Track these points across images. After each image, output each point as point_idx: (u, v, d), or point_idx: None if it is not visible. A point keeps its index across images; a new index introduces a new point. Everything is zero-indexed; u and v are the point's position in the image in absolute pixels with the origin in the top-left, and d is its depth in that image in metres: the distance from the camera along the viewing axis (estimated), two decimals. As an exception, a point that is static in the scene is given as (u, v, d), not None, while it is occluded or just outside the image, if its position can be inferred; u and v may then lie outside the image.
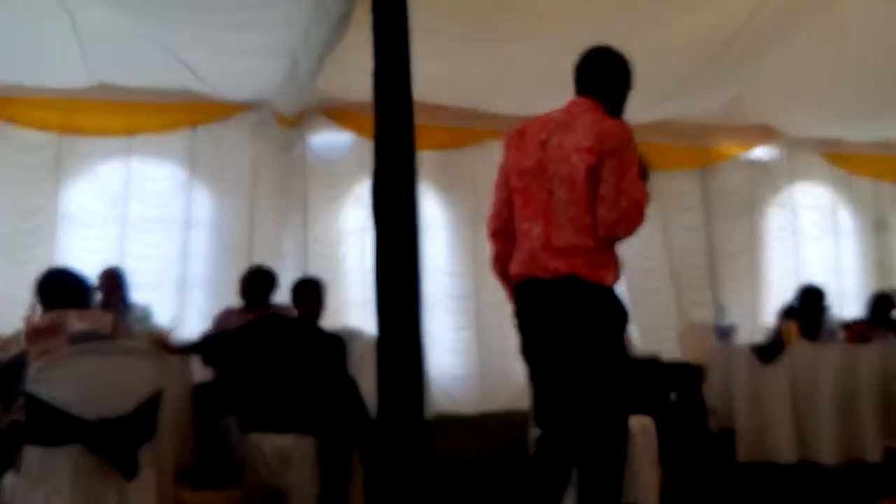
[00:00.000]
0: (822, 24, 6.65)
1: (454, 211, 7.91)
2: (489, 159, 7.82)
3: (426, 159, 7.27)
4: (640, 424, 4.27)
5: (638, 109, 8.00)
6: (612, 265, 2.77)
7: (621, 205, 2.66)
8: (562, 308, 2.71)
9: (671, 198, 8.71)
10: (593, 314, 2.71)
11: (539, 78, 7.05)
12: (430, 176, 7.44)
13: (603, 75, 2.91)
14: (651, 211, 7.86)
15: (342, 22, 4.94)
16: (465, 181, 7.81)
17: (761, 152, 8.95)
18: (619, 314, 2.79)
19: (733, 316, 7.85)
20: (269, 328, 4.00)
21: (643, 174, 2.79)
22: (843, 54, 7.10)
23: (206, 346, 4.18)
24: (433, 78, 6.83)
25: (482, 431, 6.49)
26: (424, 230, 7.42)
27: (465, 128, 7.74)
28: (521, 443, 4.15)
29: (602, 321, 2.73)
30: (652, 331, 7.92)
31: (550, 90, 7.14)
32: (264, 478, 3.54)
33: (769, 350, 5.12)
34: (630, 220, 2.69)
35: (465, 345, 7.70)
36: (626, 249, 7.62)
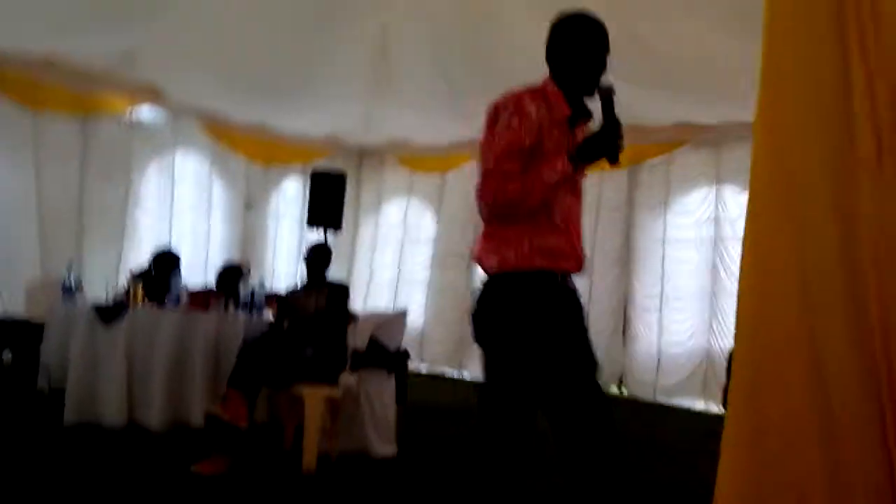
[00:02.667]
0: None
1: None
2: None
3: None
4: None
5: (25, 39, 7.30)
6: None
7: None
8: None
9: (48, 145, 8.14)
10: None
11: None
12: None
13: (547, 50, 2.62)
14: (24, 154, 7.21)
15: None
16: None
17: (147, 112, 8.92)
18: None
19: (95, 275, 7.70)
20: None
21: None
22: (231, 29, 7.46)
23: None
24: None
25: None
26: None
27: None
28: None
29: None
30: (14, 284, 7.29)
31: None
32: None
33: (111, 311, 5.03)
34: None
35: None
36: None
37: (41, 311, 5.61)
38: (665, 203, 9.25)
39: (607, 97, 2.44)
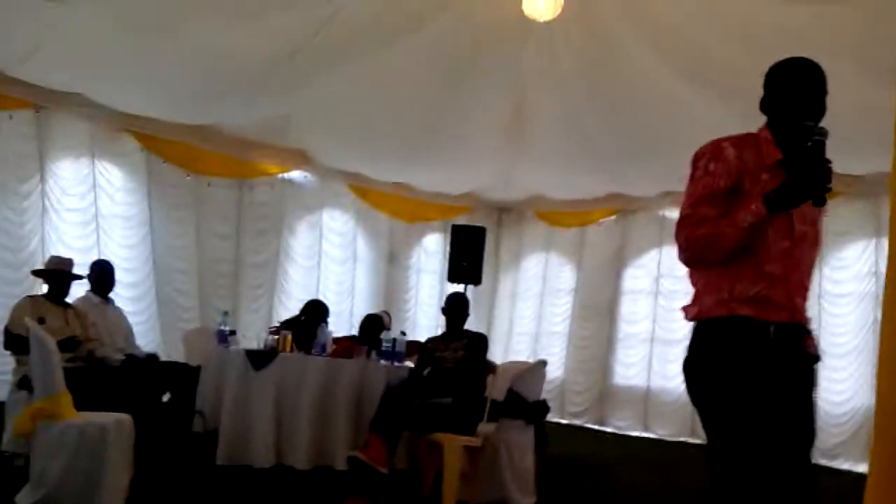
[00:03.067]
0: (366, 65, 7.30)
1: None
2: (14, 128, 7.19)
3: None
4: (117, 422, 4.14)
5: (189, 109, 7.98)
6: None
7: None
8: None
9: (208, 205, 8.76)
10: None
11: (79, 53, 6.62)
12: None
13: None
14: (187, 214, 7.82)
15: None
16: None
17: (297, 175, 9.44)
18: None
19: (250, 324, 8.15)
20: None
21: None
22: (373, 96, 7.86)
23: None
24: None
25: None
26: None
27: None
28: None
29: None
30: (175, 332, 7.87)
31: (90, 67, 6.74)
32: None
33: (262, 357, 5.28)
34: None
35: None
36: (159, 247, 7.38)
37: (198, 357, 5.93)
38: (820, 257, 8.77)
39: (820, 140, 2.28)
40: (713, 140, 2.44)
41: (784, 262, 2.36)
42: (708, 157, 2.40)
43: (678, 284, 9.58)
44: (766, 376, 2.28)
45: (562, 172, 9.67)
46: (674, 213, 9.72)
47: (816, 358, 2.42)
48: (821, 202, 2.27)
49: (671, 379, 9.31)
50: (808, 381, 2.38)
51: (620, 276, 10.31)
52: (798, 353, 2.36)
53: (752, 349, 2.30)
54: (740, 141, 2.42)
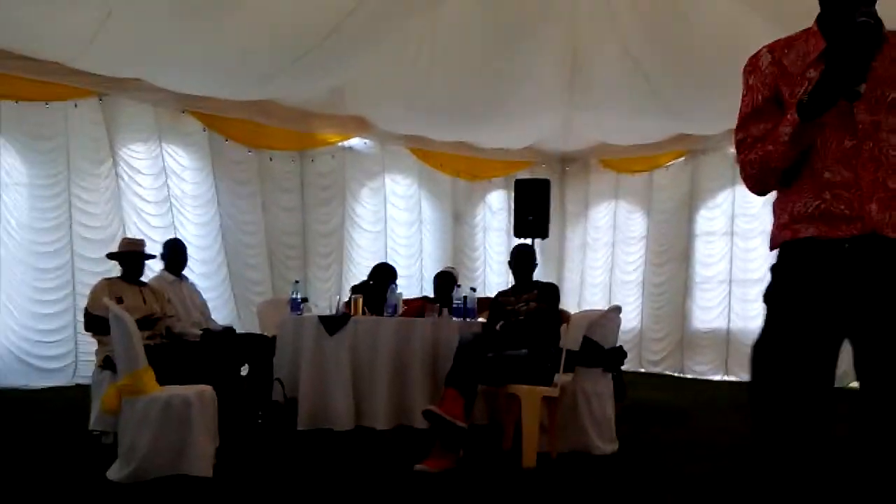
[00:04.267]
0: (414, 29, 7.23)
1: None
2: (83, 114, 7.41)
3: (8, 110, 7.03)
4: (199, 394, 4.22)
5: (246, 86, 8.06)
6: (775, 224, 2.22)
7: None
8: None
9: (272, 178, 8.86)
10: None
11: (136, 39, 6.72)
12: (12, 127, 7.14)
13: None
14: (252, 190, 7.97)
15: None
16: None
17: (357, 142, 9.44)
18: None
19: (321, 292, 8.25)
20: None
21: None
22: (429, 59, 7.78)
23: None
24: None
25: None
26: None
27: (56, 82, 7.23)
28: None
29: None
30: (249, 305, 8.06)
31: (148, 53, 6.88)
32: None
33: (335, 321, 5.32)
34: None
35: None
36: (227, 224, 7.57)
37: (272, 327, 6.01)
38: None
39: (864, 22, 1.88)
40: (761, 47, 2.19)
41: (849, 164, 2.02)
42: (748, 69, 2.20)
43: (753, 223, 9.33)
44: (830, 305, 2.01)
45: (624, 118, 9.43)
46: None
47: None
48: (853, 96, 1.92)
49: (751, 320, 9.12)
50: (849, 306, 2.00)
51: (693, 219, 10.07)
52: (882, 273, 1.99)
53: (815, 274, 2.03)
54: (788, 41, 2.16)
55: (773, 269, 2.15)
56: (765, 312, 2.14)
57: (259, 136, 8.71)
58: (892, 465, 1.96)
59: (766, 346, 2.10)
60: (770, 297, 2.13)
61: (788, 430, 2.04)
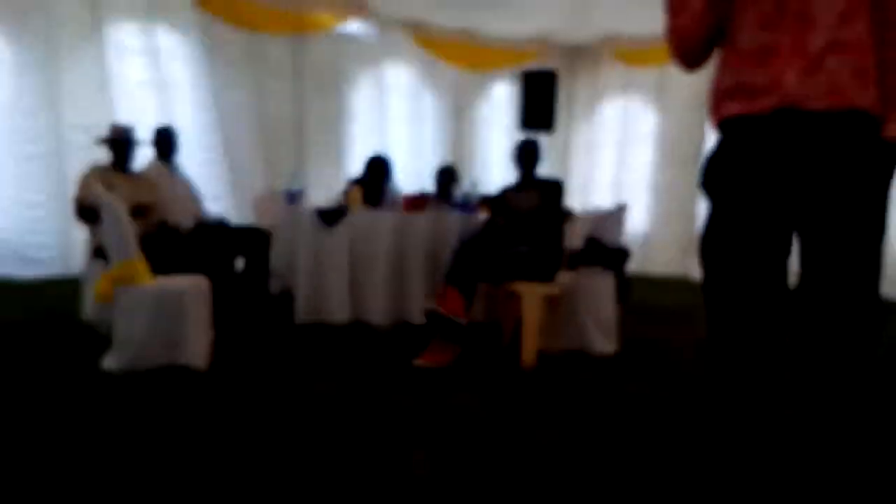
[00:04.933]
0: None
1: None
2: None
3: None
4: (193, 285, 4.15)
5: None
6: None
7: None
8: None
9: (265, 63, 8.52)
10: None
11: None
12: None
13: None
14: (245, 74, 7.62)
15: None
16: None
17: (355, 26, 9.04)
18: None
19: (318, 184, 8.07)
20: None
21: None
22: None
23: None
24: None
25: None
26: None
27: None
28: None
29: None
30: (248, 194, 7.85)
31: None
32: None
33: (332, 214, 5.19)
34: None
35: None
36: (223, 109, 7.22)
37: (268, 220, 5.88)
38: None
39: None
40: None
41: (770, 27, 1.80)
42: None
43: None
44: (767, 192, 1.85)
45: (641, 2, 8.96)
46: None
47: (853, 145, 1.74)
48: None
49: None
50: (842, 182, 1.77)
51: (707, 119, 9.75)
52: (812, 155, 1.76)
53: (745, 157, 1.87)
54: None
55: (709, 154, 2.03)
56: (707, 202, 2.05)
57: (250, 16, 8.30)
58: (828, 364, 1.84)
59: (711, 242, 2.03)
60: (707, 185, 2.03)
61: (740, 329, 1.93)
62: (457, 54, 9.93)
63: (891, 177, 1.80)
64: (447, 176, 6.23)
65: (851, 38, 1.72)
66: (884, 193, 1.80)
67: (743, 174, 1.87)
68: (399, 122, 9.65)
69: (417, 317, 5.24)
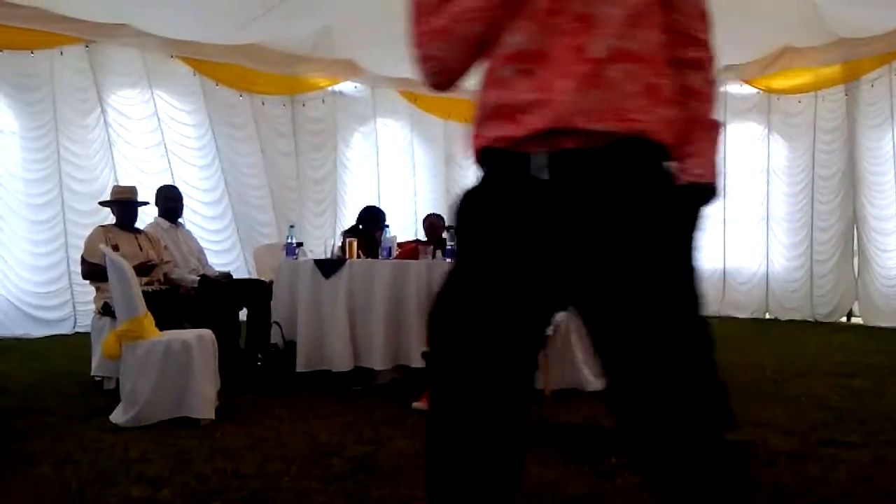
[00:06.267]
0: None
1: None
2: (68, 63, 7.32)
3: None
4: (199, 338, 4.28)
5: (231, 30, 7.94)
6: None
7: None
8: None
9: (267, 122, 8.83)
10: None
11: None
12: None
13: None
14: (248, 133, 7.94)
15: None
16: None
17: (347, 86, 9.37)
18: None
19: (316, 237, 8.29)
20: None
21: None
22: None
23: None
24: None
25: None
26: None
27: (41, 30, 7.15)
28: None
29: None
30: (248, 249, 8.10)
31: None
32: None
33: (330, 264, 5.35)
34: None
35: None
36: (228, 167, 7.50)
37: (269, 272, 6.04)
38: (891, 118, 8.50)
39: None
40: None
41: (538, 27, 1.36)
42: None
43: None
44: (524, 253, 1.41)
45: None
46: (733, 86, 9.37)
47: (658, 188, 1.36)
48: None
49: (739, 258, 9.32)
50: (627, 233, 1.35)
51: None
52: (590, 203, 1.35)
53: (498, 203, 1.43)
54: None
55: (465, 189, 1.56)
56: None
57: (248, 81, 8.63)
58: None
59: (444, 307, 1.56)
60: (457, 229, 1.57)
61: (464, 421, 1.55)
62: (445, 107, 10.23)
63: (691, 230, 1.43)
64: (432, 224, 6.45)
65: (639, 47, 1.35)
66: (681, 253, 1.41)
67: (495, 224, 1.44)
68: (392, 173, 9.92)
69: (416, 360, 5.37)
